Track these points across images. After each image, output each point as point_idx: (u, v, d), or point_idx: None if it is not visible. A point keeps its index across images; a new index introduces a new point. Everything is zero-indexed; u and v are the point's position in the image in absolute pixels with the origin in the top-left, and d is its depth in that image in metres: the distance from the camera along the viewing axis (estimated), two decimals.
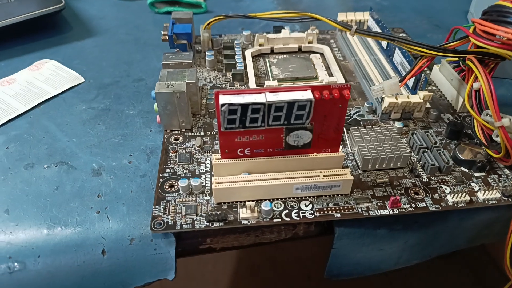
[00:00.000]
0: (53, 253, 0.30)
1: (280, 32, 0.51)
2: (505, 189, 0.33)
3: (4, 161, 0.36)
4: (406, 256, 0.36)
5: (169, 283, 0.35)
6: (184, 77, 0.38)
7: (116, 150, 0.38)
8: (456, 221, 0.34)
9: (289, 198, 0.32)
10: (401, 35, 0.56)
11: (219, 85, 0.45)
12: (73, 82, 0.47)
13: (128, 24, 0.59)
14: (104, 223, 0.31)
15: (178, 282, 0.77)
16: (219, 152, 0.32)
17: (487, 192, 0.33)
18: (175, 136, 0.38)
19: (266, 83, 0.43)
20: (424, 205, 0.32)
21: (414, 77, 0.39)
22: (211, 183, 0.33)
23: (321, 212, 0.31)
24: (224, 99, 0.27)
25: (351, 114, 0.41)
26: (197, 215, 0.31)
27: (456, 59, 0.41)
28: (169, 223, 0.30)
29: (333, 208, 0.32)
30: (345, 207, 0.32)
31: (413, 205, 0.32)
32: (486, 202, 0.33)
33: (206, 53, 0.48)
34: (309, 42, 0.50)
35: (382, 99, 0.40)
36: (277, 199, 0.32)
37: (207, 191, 0.33)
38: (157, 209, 0.31)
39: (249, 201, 0.32)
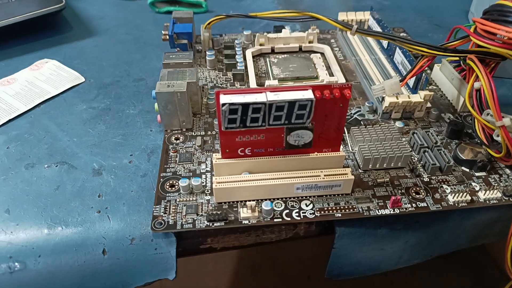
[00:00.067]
0: (54, 253, 0.30)
1: (280, 31, 0.51)
2: (506, 188, 0.33)
3: (4, 161, 0.36)
4: (407, 256, 0.36)
5: (169, 282, 0.35)
6: (185, 76, 0.38)
7: (117, 150, 0.38)
8: (457, 220, 0.34)
9: (290, 197, 0.32)
10: (401, 34, 0.55)
11: (220, 85, 0.45)
12: (73, 81, 0.47)
13: (129, 24, 0.59)
14: (104, 223, 0.31)
15: (179, 282, 0.78)
16: (220, 152, 0.32)
17: (488, 191, 0.33)
18: (176, 136, 0.38)
19: (267, 82, 0.43)
20: (425, 204, 0.32)
21: (414, 77, 0.39)
22: (211, 183, 0.33)
23: (322, 212, 0.31)
24: (224, 98, 0.27)
25: (351, 113, 0.41)
26: (197, 214, 0.31)
27: (457, 58, 0.41)
28: (170, 223, 0.30)
29: (333, 208, 0.32)
30: (346, 207, 0.32)
31: (413, 204, 0.32)
32: (487, 201, 0.32)
33: (207, 52, 0.48)
34: (309, 42, 0.50)
35: (383, 98, 0.40)
36: (278, 198, 0.32)
37: (207, 191, 0.33)
38: (157, 209, 0.31)
39: (249, 200, 0.32)
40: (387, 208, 0.32)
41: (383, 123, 0.40)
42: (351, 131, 0.37)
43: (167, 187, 0.33)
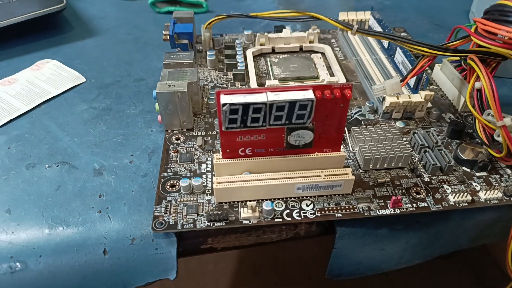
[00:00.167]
0: (55, 253, 0.30)
1: (281, 31, 0.51)
2: (506, 188, 0.33)
3: (5, 161, 0.36)
4: (408, 256, 0.36)
5: (170, 282, 0.35)
6: (185, 76, 0.38)
7: (117, 150, 0.38)
8: (458, 221, 0.34)
9: (290, 198, 0.32)
10: (402, 34, 0.55)
11: (220, 85, 0.45)
12: (74, 82, 0.47)
13: (129, 24, 0.59)
14: (105, 223, 0.31)
15: (179, 282, 0.78)
16: (220, 152, 0.32)
17: (488, 191, 0.33)
18: (176, 136, 0.38)
19: (267, 82, 0.43)
20: (426, 204, 0.32)
21: (415, 77, 0.39)
22: (212, 183, 0.33)
23: (323, 212, 0.31)
24: (225, 98, 0.27)
25: (352, 113, 0.41)
26: (198, 214, 0.31)
27: (458, 58, 0.41)
28: (171, 223, 0.30)
29: (334, 208, 0.32)
30: (347, 207, 0.32)
31: (414, 204, 0.32)
32: (488, 202, 0.32)
33: (207, 52, 0.48)
34: (310, 42, 0.50)
35: (384, 98, 0.40)
36: (278, 198, 0.32)
37: (208, 191, 0.33)
38: (158, 209, 0.31)
39: (250, 200, 0.32)
40: (388, 208, 0.32)
41: (383, 123, 0.40)
42: (351, 131, 0.37)
43: (168, 187, 0.33)
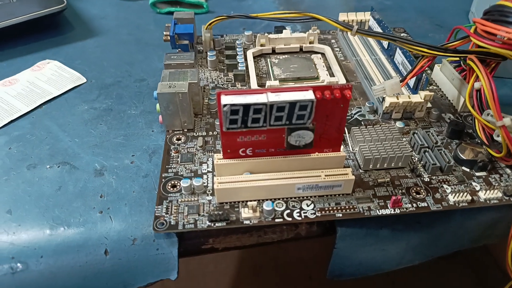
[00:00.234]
0: (56, 254, 0.30)
1: (281, 32, 0.51)
2: (506, 188, 0.33)
3: (6, 162, 0.36)
4: (409, 257, 0.36)
5: (170, 283, 0.35)
6: (186, 77, 0.38)
7: (118, 150, 0.38)
8: (459, 221, 0.34)
9: (291, 198, 0.32)
10: (402, 35, 0.56)
11: (221, 85, 0.45)
12: (75, 82, 0.47)
13: (130, 24, 0.60)
14: (106, 223, 0.31)
15: (180, 282, 0.78)
16: (221, 152, 0.32)
17: (488, 191, 0.33)
18: (177, 136, 0.38)
19: (268, 83, 0.43)
20: (426, 204, 0.32)
21: (415, 77, 0.39)
22: (213, 183, 0.33)
23: (323, 212, 0.31)
24: (226, 99, 0.28)
25: (352, 114, 0.41)
26: (199, 215, 0.31)
27: (457, 58, 0.41)
28: (172, 223, 0.30)
29: (334, 208, 0.32)
30: (347, 207, 0.32)
31: (414, 204, 0.32)
32: (488, 201, 0.33)
33: (208, 53, 0.48)
34: (310, 42, 0.50)
35: (383, 98, 0.40)
36: (279, 199, 0.32)
37: (209, 191, 0.33)
38: (159, 209, 0.31)
39: (251, 201, 0.32)
40: (388, 208, 0.32)
41: (383, 123, 0.40)
42: (351, 131, 0.37)
43: (169, 187, 0.33)
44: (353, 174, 0.32)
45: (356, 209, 0.32)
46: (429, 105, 0.41)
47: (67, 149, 0.38)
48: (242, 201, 0.32)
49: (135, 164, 0.36)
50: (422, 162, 0.36)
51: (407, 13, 0.63)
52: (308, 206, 0.32)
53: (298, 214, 0.31)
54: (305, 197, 0.32)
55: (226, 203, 0.32)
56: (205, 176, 0.34)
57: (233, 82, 0.46)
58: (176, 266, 0.32)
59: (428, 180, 0.34)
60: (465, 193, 0.32)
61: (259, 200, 0.32)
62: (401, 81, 0.39)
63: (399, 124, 0.39)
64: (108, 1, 0.66)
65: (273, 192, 0.32)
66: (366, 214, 0.31)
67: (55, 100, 0.44)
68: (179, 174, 0.35)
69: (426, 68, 0.38)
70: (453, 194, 0.32)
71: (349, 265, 0.35)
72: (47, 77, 0.47)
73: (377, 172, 0.35)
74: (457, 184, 0.34)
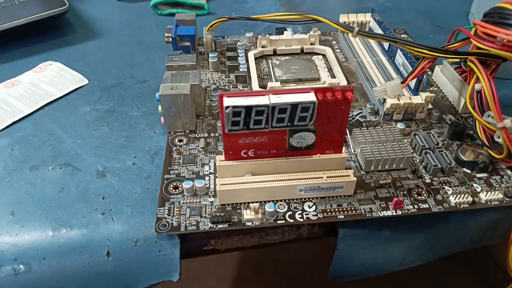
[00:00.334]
0: (58, 255, 0.30)
1: (282, 33, 0.51)
2: (507, 189, 0.33)
3: (9, 163, 0.37)
4: (410, 257, 0.36)
5: (172, 284, 0.35)
6: (188, 79, 0.38)
7: (120, 152, 0.38)
8: (460, 222, 0.34)
9: (293, 199, 0.33)
10: (403, 36, 0.56)
11: (223, 87, 0.46)
12: (77, 84, 0.47)
13: (131, 26, 0.60)
14: (108, 225, 0.32)
15: (181, 283, 0.77)
16: (223, 154, 0.32)
17: (489, 193, 0.33)
18: (179, 138, 0.38)
19: (269, 84, 0.43)
20: (427, 206, 0.32)
21: (416, 78, 0.39)
22: (215, 185, 0.33)
23: (325, 213, 0.32)
24: (228, 101, 0.28)
25: (353, 115, 0.41)
26: (201, 216, 0.31)
27: (458, 60, 0.41)
28: (174, 225, 0.31)
29: (336, 209, 0.32)
30: (348, 208, 0.32)
31: (416, 206, 0.32)
32: (489, 203, 0.33)
33: (209, 54, 0.48)
34: (311, 44, 0.50)
35: (384, 100, 0.40)
36: (281, 200, 0.32)
37: (211, 193, 0.33)
38: (161, 211, 0.32)
39: (253, 202, 0.32)
40: (389, 210, 0.32)
41: (384, 125, 0.40)
42: (353, 132, 0.37)
43: (171, 189, 0.33)
44: (354, 176, 0.32)
45: (357, 211, 0.32)
46: (430, 106, 0.41)
47: (69, 151, 0.38)
48: (244, 203, 0.32)
49: (137, 166, 0.36)
50: (423, 163, 0.36)
51: (407, 15, 0.63)
52: (310, 207, 0.32)
53: (300, 216, 0.31)
54: (307, 199, 0.33)
55: (228, 204, 0.32)
56: (207, 178, 0.34)
57: (234, 83, 0.46)
58: (178, 267, 0.32)
59: (429, 181, 0.34)
60: (466, 195, 0.32)
61: (261, 202, 0.32)
62: (402, 83, 0.39)
63: (400, 125, 0.39)
64: (109, 3, 0.66)
65: (275, 193, 0.32)
66: (367, 215, 0.32)
67: (57, 102, 0.44)
68: (181, 175, 0.35)
69: (427, 70, 0.39)
70: (454, 196, 0.32)
71: (350, 266, 0.35)
72: (49, 79, 0.47)
73: (379, 174, 0.35)
74: (458, 185, 0.34)
